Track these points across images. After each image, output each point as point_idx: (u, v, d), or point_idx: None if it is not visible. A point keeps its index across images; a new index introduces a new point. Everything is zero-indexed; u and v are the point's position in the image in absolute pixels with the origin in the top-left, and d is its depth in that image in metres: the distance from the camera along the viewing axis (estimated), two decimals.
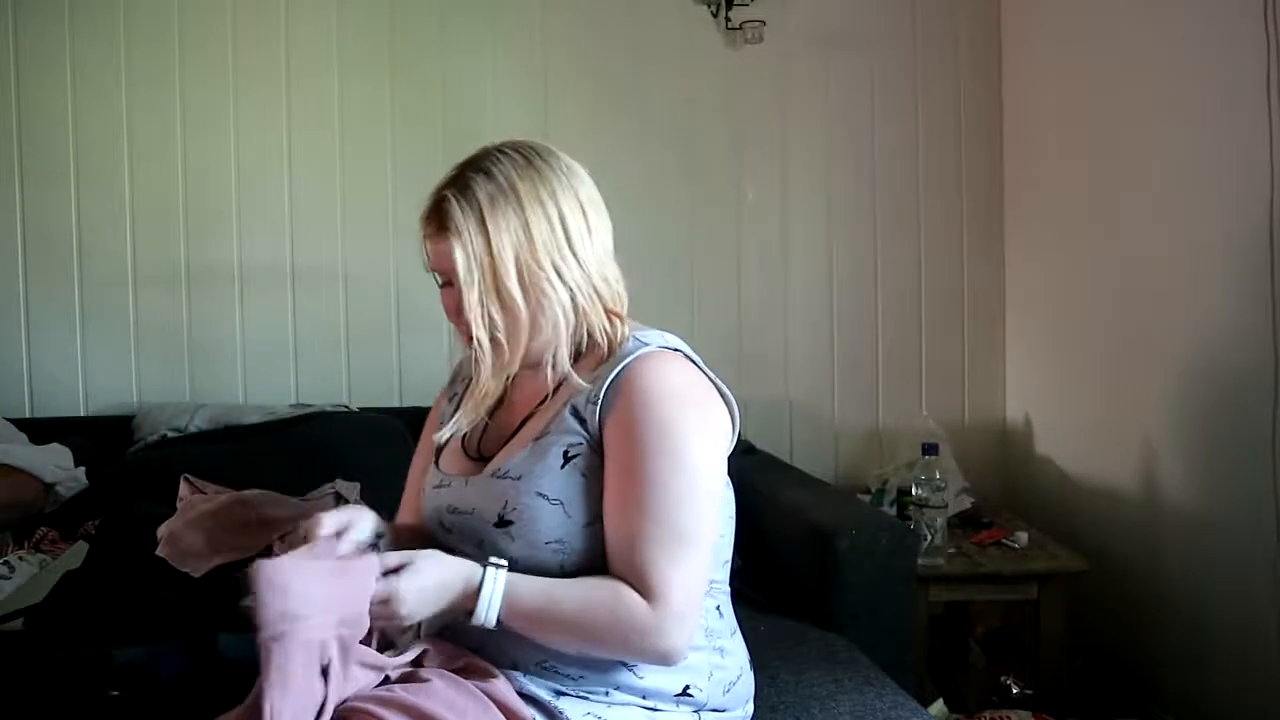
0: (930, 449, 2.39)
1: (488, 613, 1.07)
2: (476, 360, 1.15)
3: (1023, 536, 2.36)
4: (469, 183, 1.13)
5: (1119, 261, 2.38)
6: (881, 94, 2.87)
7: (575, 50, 2.78)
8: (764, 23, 2.75)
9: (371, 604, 1.03)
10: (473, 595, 1.07)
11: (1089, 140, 2.48)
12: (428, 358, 2.71)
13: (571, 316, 1.15)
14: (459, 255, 1.11)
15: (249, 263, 2.71)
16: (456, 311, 1.15)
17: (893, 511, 2.48)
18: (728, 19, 2.78)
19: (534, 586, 1.09)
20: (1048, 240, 2.72)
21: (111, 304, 2.66)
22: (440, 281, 1.18)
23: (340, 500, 1.85)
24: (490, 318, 1.12)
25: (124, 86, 2.65)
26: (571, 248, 1.14)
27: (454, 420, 1.25)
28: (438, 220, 1.13)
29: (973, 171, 2.90)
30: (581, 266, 1.15)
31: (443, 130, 2.73)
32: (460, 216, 1.11)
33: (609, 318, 1.17)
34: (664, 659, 1.10)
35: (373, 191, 2.72)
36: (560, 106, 2.76)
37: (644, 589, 1.07)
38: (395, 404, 2.66)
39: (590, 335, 1.17)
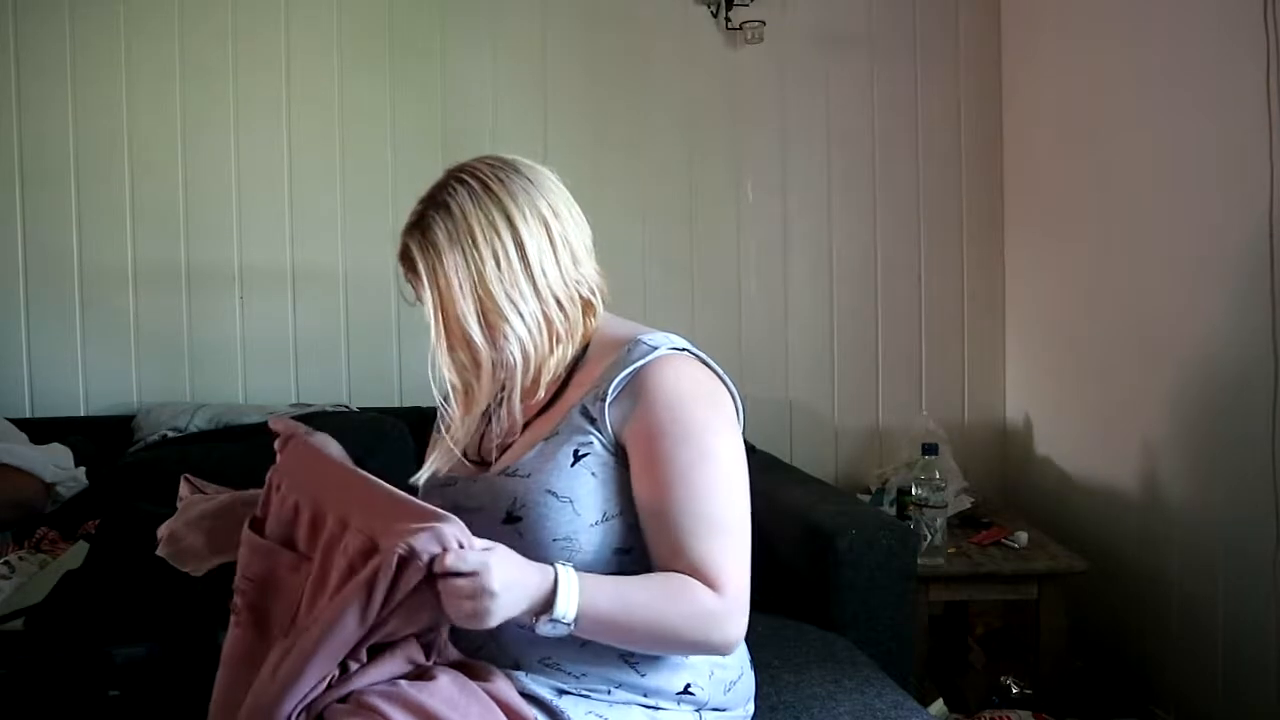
0: (930, 449, 2.39)
1: (566, 609, 1.01)
2: (444, 405, 1.17)
3: (1023, 536, 2.36)
4: (429, 223, 1.13)
5: (1119, 261, 2.38)
6: (881, 94, 2.87)
7: (575, 50, 2.78)
8: (764, 23, 2.75)
9: (452, 578, 0.96)
10: (549, 593, 1.02)
11: (1089, 140, 2.49)
12: (428, 358, 2.70)
13: (540, 343, 1.15)
14: (427, 301, 1.13)
15: (249, 263, 2.71)
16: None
17: (893, 511, 2.48)
18: (728, 19, 2.78)
19: (606, 582, 1.07)
20: (1048, 240, 2.72)
21: (111, 304, 2.66)
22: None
23: None
24: (459, 361, 1.15)
25: (124, 86, 2.65)
26: (530, 275, 1.14)
27: (430, 462, 1.26)
28: (407, 265, 1.16)
29: (973, 171, 2.90)
30: (539, 294, 1.14)
31: (443, 130, 2.74)
32: (423, 263, 1.13)
33: (584, 320, 1.19)
34: (729, 647, 1.11)
35: (373, 191, 2.72)
36: (560, 106, 2.77)
37: (706, 581, 1.08)
38: (395, 404, 2.66)
39: (580, 346, 1.20)
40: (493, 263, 1.12)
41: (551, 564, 1.04)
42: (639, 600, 1.07)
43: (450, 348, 1.15)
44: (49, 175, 2.63)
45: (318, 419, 2.43)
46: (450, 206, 1.13)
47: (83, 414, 2.64)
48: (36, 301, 2.64)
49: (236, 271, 2.70)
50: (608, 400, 1.13)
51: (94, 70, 2.64)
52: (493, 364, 1.14)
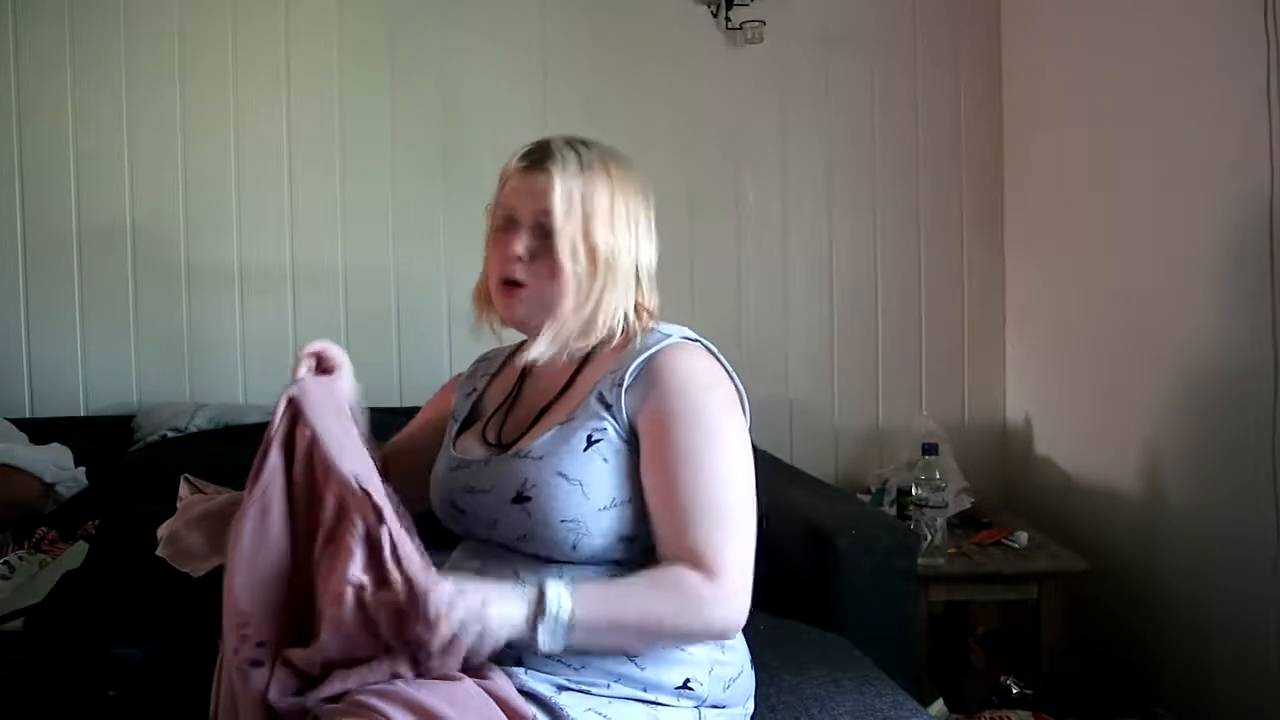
0: (930, 449, 2.39)
1: (559, 605, 1.04)
2: (559, 294, 1.18)
3: (1023, 536, 2.36)
4: (573, 142, 1.21)
5: (1119, 261, 2.38)
6: (881, 94, 2.87)
7: (575, 50, 2.78)
8: (764, 23, 2.75)
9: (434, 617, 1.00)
10: (537, 598, 1.05)
11: (1089, 140, 2.49)
12: (428, 358, 2.71)
13: (631, 295, 1.22)
14: (558, 190, 1.16)
15: (249, 263, 2.71)
16: (514, 257, 1.19)
17: (893, 511, 2.48)
18: (728, 19, 2.78)
19: (594, 580, 1.11)
20: (1047, 240, 2.72)
21: (111, 304, 2.66)
22: (501, 225, 1.22)
23: None
24: (578, 258, 1.18)
25: (124, 86, 2.65)
26: (635, 239, 1.23)
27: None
28: (538, 158, 1.19)
29: (972, 171, 2.90)
30: (638, 257, 1.23)
31: (442, 130, 2.74)
32: (562, 159, 1.18)
33: (639, 312, 1.25)
34: (727, 631, 1.14)
35: (373, 191, 2.72)
36: (560, 106, 2.76)
37: (701, 566, 1.09)
38: (395, 404, 2.66)
39: (620, 322, 1.23)
40: (620, 207, 1.20)
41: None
42: (631, 589, 1.09)
43: (573, 244, 1.17)
44: (49, 174, 2.63)
45: None
46: (590, 144, 1.22)
47: (83, 414, 2.64)
48: (36, 301, 2.64)
49: (236, 271, 2.70)
50: (624, 386, 1.16)
51: (94, 69, 2.64)
52: (604, 283, 1.19)
